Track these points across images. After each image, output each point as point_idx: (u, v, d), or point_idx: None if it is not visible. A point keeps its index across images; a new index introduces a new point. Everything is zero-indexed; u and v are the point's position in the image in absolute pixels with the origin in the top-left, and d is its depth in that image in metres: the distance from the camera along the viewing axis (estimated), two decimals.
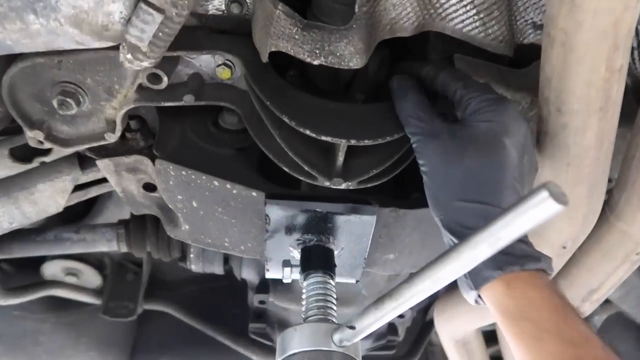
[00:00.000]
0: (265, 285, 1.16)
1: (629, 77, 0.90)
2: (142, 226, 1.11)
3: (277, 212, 0.76)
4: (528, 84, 0.77)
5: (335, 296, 0.74)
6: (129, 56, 0.63)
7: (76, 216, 1.40)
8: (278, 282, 1.12)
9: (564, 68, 0.60)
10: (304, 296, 0.74)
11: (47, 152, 1.00)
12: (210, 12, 0.77)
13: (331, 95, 0.77)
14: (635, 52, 0.84)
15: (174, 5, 0.59)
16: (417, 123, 0.66)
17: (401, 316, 1.27)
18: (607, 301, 1.21)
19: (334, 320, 0.71)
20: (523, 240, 0.59)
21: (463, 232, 0.59)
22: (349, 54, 0.64)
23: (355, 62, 0.65)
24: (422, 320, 1.53)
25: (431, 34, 0.77)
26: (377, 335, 1.35)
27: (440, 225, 0.63)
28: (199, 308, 1.47)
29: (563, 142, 0.66)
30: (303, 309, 0.73)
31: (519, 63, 0.83)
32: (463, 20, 0.75)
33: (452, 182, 0.60)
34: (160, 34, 0.61)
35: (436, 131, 0.64)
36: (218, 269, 1.15)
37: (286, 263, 0.79)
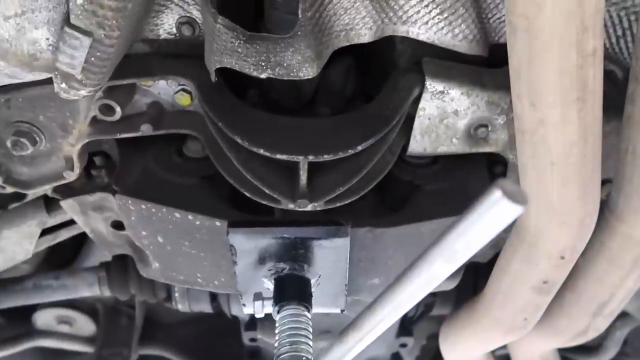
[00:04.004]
0: (254, 322, 1.08)
1: (620, 68, 0.84)
2: (123, 267, 1.06)
3: (242, 241, 0.70)
4: (507, 84, 0.72)
5: (310, 329, 0.67)
6: (63, 85, 0.59)
7: (66, 262, 1.37)
8: (265, 317, 1.05)
9: (531, 58, 0.55)
10: (277, 330, 0.68)
11: (21, 197, 0.97)
12: (162, 37, 0.73)
13: (295, 113, 0.72)
14: (622, 41, 0.78)
15: (101, 26, 0.55)
16: None
17: (404, 345, 1.18)
18: (625, 314, 1.11)
19: (309, 356, 0.64)
20: None
21: None
22: (297, 63, 0.59)
23: (305, 71, 0.60)
24: (435, 348, 1.43)
25: (397, 39, 0.72)
26: None
27: None
28: (198, 350, 1.40)
29: (543, 139, 0.60)
30: (276, 344, 0.66)
31: (497, 63, 0.78)
32: (427, 22, 0.70)
33: None
34: (92, 59, 0.57)
35: None
36: (206, 307, 1.09)
37: (257, 296, 0.72)
